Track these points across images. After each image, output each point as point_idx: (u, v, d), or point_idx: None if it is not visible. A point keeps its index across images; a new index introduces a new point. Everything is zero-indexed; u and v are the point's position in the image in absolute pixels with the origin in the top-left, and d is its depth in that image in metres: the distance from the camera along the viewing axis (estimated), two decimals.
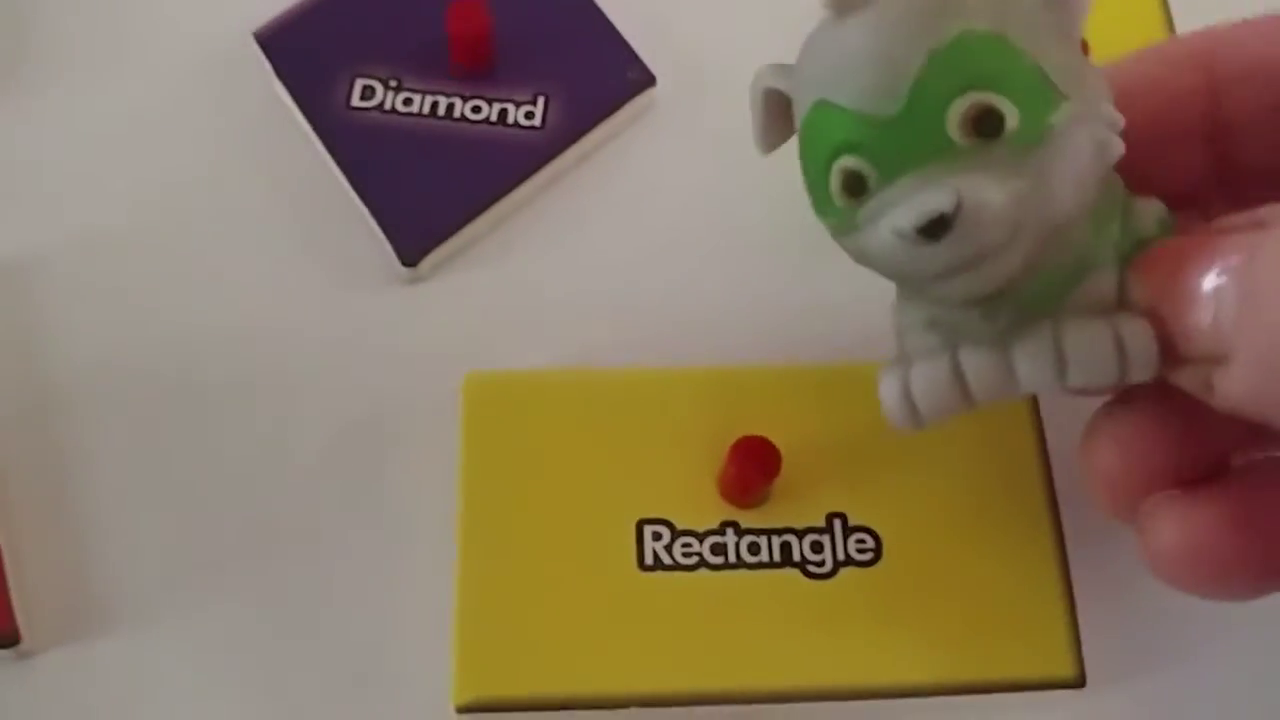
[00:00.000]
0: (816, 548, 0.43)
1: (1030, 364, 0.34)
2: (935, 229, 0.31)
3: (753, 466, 0.42)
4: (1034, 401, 0.45)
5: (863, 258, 0.35)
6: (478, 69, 0.50)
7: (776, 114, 0.37)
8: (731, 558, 0.43)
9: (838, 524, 0.44)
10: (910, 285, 0.36)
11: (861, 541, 0.44)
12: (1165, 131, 0.36)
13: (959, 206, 0.31)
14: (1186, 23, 0.53)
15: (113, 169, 0.50)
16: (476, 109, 0.50)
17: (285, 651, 0.43)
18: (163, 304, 0.47)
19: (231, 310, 0.48)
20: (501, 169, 0.49)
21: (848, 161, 0.33)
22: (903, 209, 0.32)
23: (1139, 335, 0.33)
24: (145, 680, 0.42)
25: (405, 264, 0.47)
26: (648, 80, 0.51)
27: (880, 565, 0.43)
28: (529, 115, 0.50)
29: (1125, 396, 0.36)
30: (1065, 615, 0.43)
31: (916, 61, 0.32)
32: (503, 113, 0.50)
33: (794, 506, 0.44)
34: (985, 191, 0.31)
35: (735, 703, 0.42)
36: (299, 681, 0.43)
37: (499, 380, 0.45)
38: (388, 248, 0.47)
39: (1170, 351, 0.33)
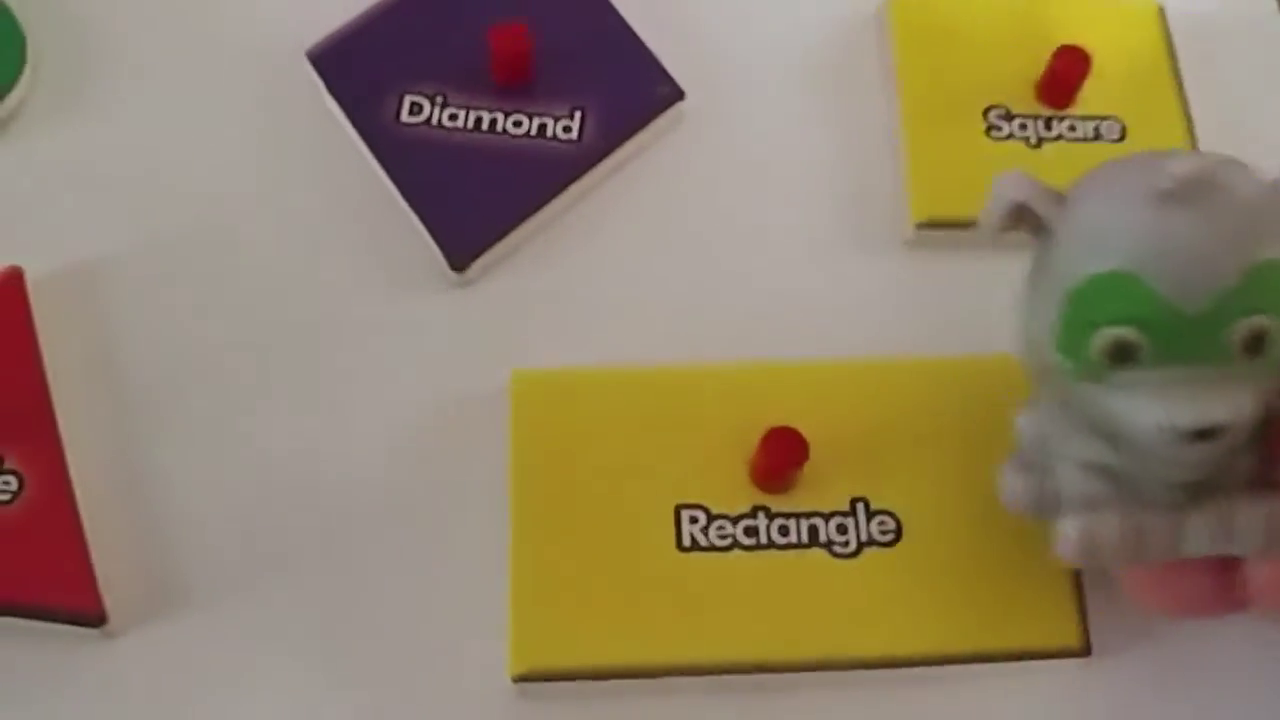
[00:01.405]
0: (841, 530, 0.47)
1: (1202, 539, 0.39)
2: (1208, 435, 0.36)
3: (782, 455, 0.45)
4: None
5: (1085, 402, 0.39)
6: (518, 85, 0.53)
7: (1014, 222, 0.40)
8: (763, 539, 0.46)
9: (861, 508, 0.47)
10: (1116, 438, 0.39)
11: (883, 524, 0.47)
12: None
13: (1234, 422, 0.36)
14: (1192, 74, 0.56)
15: (177, 179, 0.53)
16: (517, 123, 0.53)
17: (350, 629, 0.46)
18: (228, 306, 0.51)
19: (293, 312, 0.51)
20: (542, 179, 0.52)
21: (1128, 333, 0.37)
22: (1185, 409, 0.36)
23: None
24: (221, 658, 0.45)
25: (454, 269, 0.50)
26: (677, 95, 0.54)
27: (900, 545, 0.47)
28: (566, 129, 0.53)
29: None
30: (1071, 589, 0.46)
31: (1232, 276, 0.36)
32: (542, 127, 0.53)
33: (820, 492, 0.47)
34: (1249, 409, 0.36)
35: (767, 672, 0.45)
36: (364, 656, 0.46)
37: (545, 377, 0.48)
38: (437, 253, 0.50)
39: None
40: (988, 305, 0.47)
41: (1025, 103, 0.55)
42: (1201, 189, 0.36)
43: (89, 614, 0.44)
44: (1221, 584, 0.40)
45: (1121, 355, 0.37)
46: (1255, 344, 0.36)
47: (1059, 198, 0.39)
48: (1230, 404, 0.36)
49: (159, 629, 0.46)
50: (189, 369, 0.49)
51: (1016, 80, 0.55)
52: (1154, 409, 0.37)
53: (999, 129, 0.54)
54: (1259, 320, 0.36)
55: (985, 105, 0.55)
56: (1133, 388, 0.37)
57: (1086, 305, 0.38)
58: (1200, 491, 0.39)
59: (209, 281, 0.51)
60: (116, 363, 0.49)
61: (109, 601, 0.45)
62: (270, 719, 0.45)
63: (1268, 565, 0.39)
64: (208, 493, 0.47)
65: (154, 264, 0.51)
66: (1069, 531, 0.40)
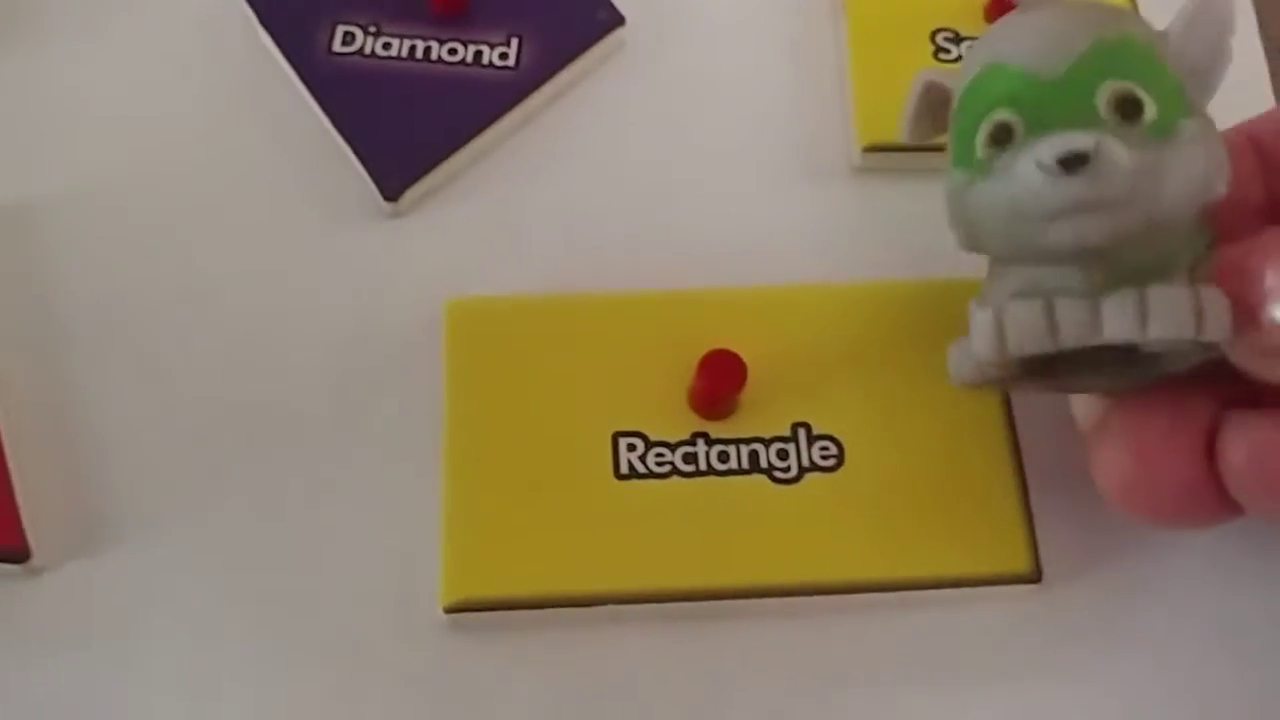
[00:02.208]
0: (782, 455, 0.46)
1: (1116, 315, 0.37)
2: (1073, 163, 0.36)
3: (721, 378, 0.44)
4: None
5: (981, 211, 0.39)
6: (453, 13, 0.52)
7: (930, 108, 0.43)
8: (702, 466, 0.45)
9: (802, 433, 0.46)
10: (1018, 244, 0.39)
11: (825, 449, 0.46)
12: (1233, 202, 0.39)
13: (1096, 149, 0.36)
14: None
15: (106, 115, 0.52)
16: (453, 51, 0.52)
17: (281, 560, 0.45)
18: (158, 240, 0.50)
19: (224, 246, 0.50)
20: (478, 107, 0.51)
21: (1002, 114, 0.38)
22: (1046, 144, 0.37)
23: (1216, 299, 0.37)
24: (149, 593, 0.45)
25: (387, 198, 0.49)
26: (616, 20, 0.53)
27: (842, 470, 0.46)
28: (503, 56, 0.52)
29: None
30: (1021, 513, 0.45)
31: (1083, 43, 0.38)
32: (478, 54, 0.52)
33: (761, 417, 0.46)
34: (1118, 148, 0.36)
35: (707, 599, 0.44)
36: (295, 588, 0.45)
37: (478, 306, 0.47)
38: (370, 184, 0.50)
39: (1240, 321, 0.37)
40: (935, 230, 0.46)
41: (974, 25, 0.54)
42: None
43: (12, 549, 0.43)
44: (1204, 475, 0.39)
45: (1002, 137, 0.38)
46: (1124, 107, 0.37)
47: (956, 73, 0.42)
48: (1093, 137, 0.36)
49: (85, 565, 0.45)
50: (117, 304, 0.48)
51: (964, 2, 0.54)
52: (1024, 159, 0.37)
53: (947, 52, 0.53)
54: (1121, 83, 0.37)
55: (933, 28, 0.54)
56: (1012, 161, 0.38)
57: (966, 108, 0.40)
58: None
59: (139, 217, 0.50)
60: (44, 299, 0.48)
61: (33, 537, 0.44)
62: (199, 653, 0.44)
63: (1246, 442, 0.38)
64: (135, 427, 0.47)
65: (84, 201, 0.50)
66: (978, 322, 0.39)
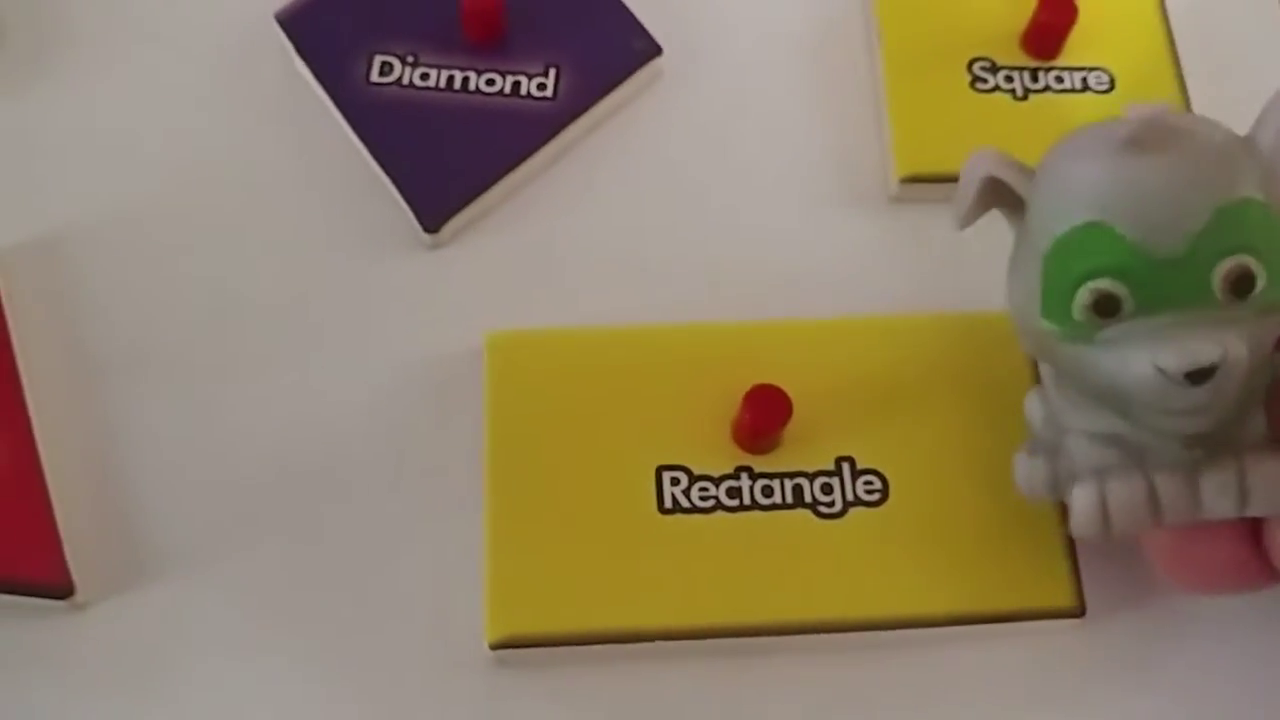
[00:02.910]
0: (826, 489, 0.45)
1: (1218, 495, 0.38)
2: (1199, 376, 0.35)
3: (766, 413, 0.44)
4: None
5: (1078, 366, 0.39)
6: (490, 43, 0.52)
7: (988, 200, 0.41)
8: (746, 500, 0.45)
9: (846, 467, 0.46)
10: (1117, 404, 0.39)
11: (869, 483, 0.46)
12: None
13: (1223, 360, 0.35)
14: (1182, 24, 0.55)
15: (143, 147, 0.52)
16: (490, 81, 0.51)
17: (324, 596, 0.45)
18: (197, 273, 0.49)
19: (263, 277, 0.50)
20: (516, 138, 0.51)
21: (1108, 285, 0.36)
22: (1171, 351, 0.36)
23: None
24: (192, 628, 0.44)
25: (427, 230, 0.49)
26: (653, 50, 0.53)
27: (887, 505, 0.45)
28: (541, 86, 0.52)
29: None
30: (1064, 548, 0.45)
31: (1204, 215, 0.36)
32: (516, 85, 0.52)
33: (805, 451, 0.46)
34: (1240, 349, 0.36)
35: (750, 635, 0.44)
36: (339, 624, 0.45)
37: (520, 338, 0.47)
38: (410, 215, 0.49)
39: None
40: (974, 260, 0.47)
41: (1010, 54, 0.54)
42: (1163, 134, 0.36)
43: (56, 586, 0.43)
44: (1251, 554, 0.39)
45: (1105, 309, 0.37)
46: (1239, 284, 0.36)
47: (1029, 171, 0.39)
48: (1219, 342, 0.35)
49: (128, 600, 0.45)
50: (158, 337, 0.48)
51: (1001, 31, 0.54)
52: (1143, 356, 0.36)
53: (984, 81, 0.53)
54: (1240, 260, 0.36)
55: (970, 57, 0.54)
56: (1122, 341, 0.37)
57: (1062, 263, 0.37)
58: (1213, 453, 0.38)
59: (178, 249, 0.50)
60: (84, 333, 0.48)
61: (76, 573, 0.44)
62: (241, 689, 0.44)
63: None
64: (177, 462, 0.46)
65: (122, 233, 0.50)
66: (1081, 499, 0.39)
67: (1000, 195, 0.40)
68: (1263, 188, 0.37)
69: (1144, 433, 0.39)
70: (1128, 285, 0.36)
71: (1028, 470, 0.42)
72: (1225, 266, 0.36)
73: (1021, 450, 0.42)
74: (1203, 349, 0.35)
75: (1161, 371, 0.36)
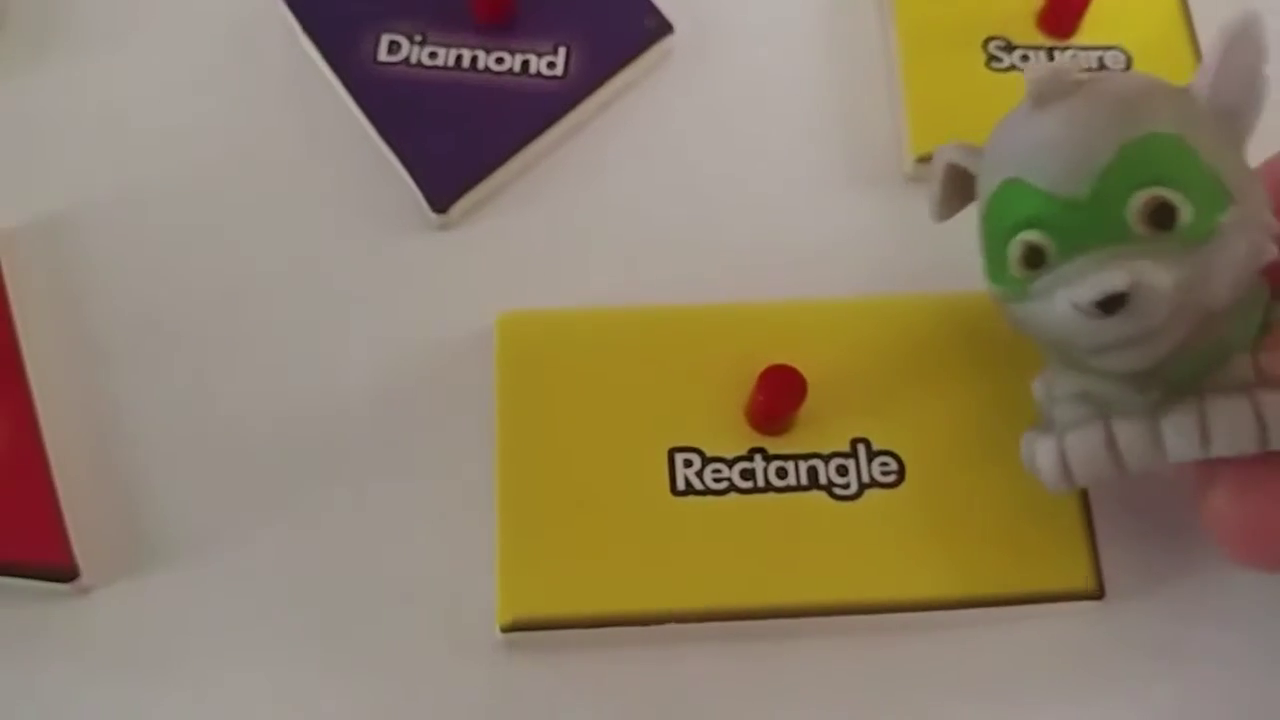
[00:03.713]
0: (842, 471, 0.45)
1: (1177, 436, 0.37)
2: (1111, 305, 0.35)
3: (780, 393, 0.44)
4: None
5: (1028, 324, 0.39)
6: (499, 22, 0.51)
7: (956, 187, 0.42)
8: (760, 482, 0.45)
9: (862, 448, 0.45)
10: (1070, 357, 0.39)
11: (885, 465, 0.45)
12: None
13: (1134, 287, 0.35)
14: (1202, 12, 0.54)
15: (147, 126, 0.51)
16: (500, 60, 0.51)
17: (334, 580, 0.44)
18: (202, 255, 0.49)
19: (271, 258, 0.49)
20: (526, 117, 0.50)
21: (1030, 236, 0.37)
22: (1082, 285, 0.36)
23: (1275, 406, 0.36)
24: (197, 611, 0.44)
25: (436, 210, 0.49)
26: (664, 28, 0.52)
27: (903, 487, 0.45)
28: (550, 65, 0.51)
29: None
30: (1083, 530, 0.44)
31: (1108, 153, 0.36)
32: (525, 63, 0.51)
33: (819, 433, 0.45)
34: (1156, 276, 0.35)
35: (765, 618, 0.43)
36: (348, 607, 0.44)
37: (531, 319, 0.47)
38: (419, 195, 0.49)
39: None
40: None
41: (1026, 33, 0.53)
42: (1064, 87, 0.37)
43: (60, 568, 0.43)
44: None
45: (1033, 260, 0.37)
46: (1157, 216, 0.36)
47: (980, 150, 0.40)
48: (1128, 270, 0.35)
49: (133, 583, 0.44)
50: (162, 318, 0.48)
51: (1017, 10, 0.53)
52: (1061, 297, 0.36)
53: (999, 60, 0.53)
54: (1153, 192, 0.35)
55: (985, 36, 0.53)
56: (1049, 288, 0.37)
57: (990, 225, 0.39)
58: (1177, 396, 0.38)
59: (183, 229, 0.49)
60: (87, 314, 0.48)
61: (81, 556, 0.43)
62: (249, 673, 0.43)
63: None
64: (183, 444, 0.46)
65: (126, 212, 0.50)
66: (1041, 455, 0.40)
67: (962, 182, 0.41)
68: (1196, 129, 0.37)
69: (1106, 384, 0.38)
70: (1047, 233, 0.37)
71: (1026, 448, 0.41)
72: (1139, 200, 0.35)
73: (1029, 430, 0.42)
74: (1108, 277, 0.35)
75: (1076, 307, 0.36)
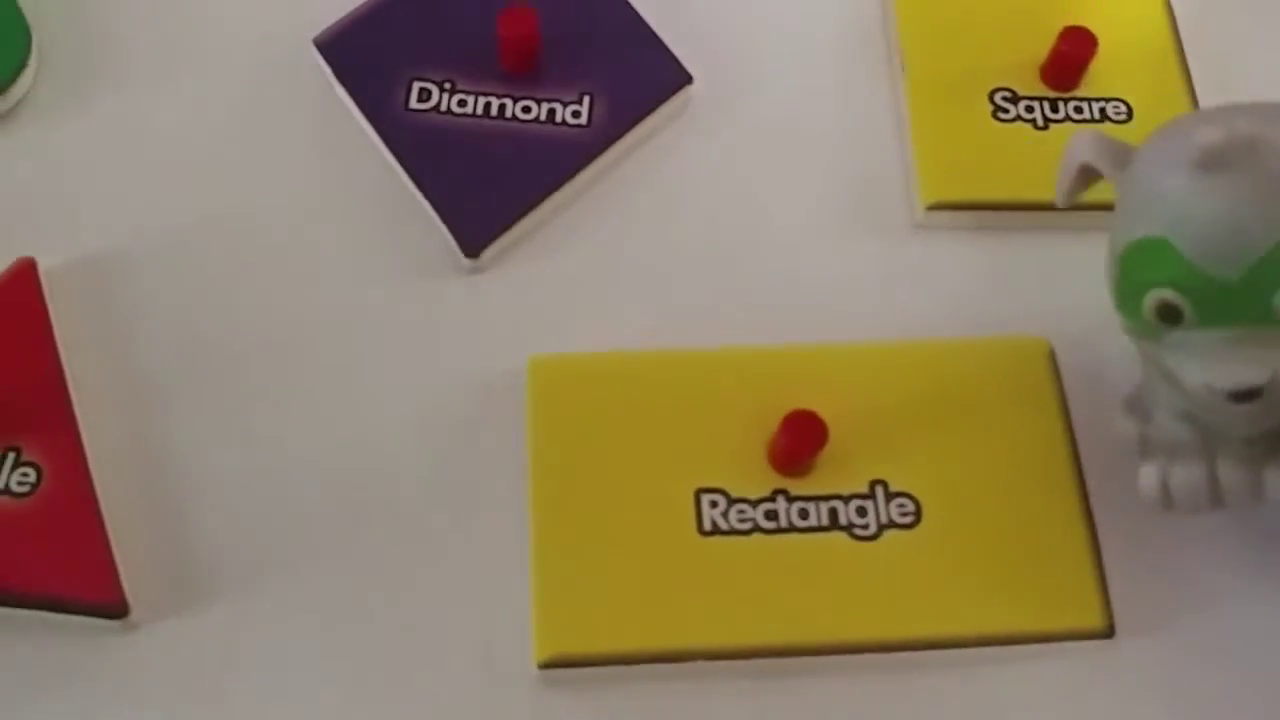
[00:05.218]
0: (861, 512, 0.47)
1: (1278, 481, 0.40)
2: (1247, 396, 0.37)
3: (802, 438, 0.45)
4: (1057, 374, 0.49)
5: (1150, 356, 0.41)
6: (525, 71, 0.53)
7: (1084, 182, 0.43)
8: (783, 522, 0.46)
9: (880, 490, 0.47)
10: (1188, 402, 0.41)
11: (903, 506, 0.47)
12: None
13: (1271, 383, 0.37)
14: (1197, 55, 0.56)
15: (188, 169, 0.53)
16: (526, 109, 0.53)
17: (374, 617, 0.46)
18: (241, 296, 0.50)
19: (305, 301, 0.50)
20: (552, 165, 0.52)
21: (1169, 296, 0.39)
22: (1219, 371, 0.38)
23: None
24: (244, 648, 0.45)
25: (467, 255, 0.50)
26: (685, 79, 0.54)
27: (920, 527, 0.47)
28: (575, 114, 0.53)
29: None
30: (1093, 570, 0.46)
31: (1265, 244, 0.37)
32: (551, 112, 0.53)
33: (839, 474, 0.47)
34: None
35: (789, 655, 0.45)
36: (388, 644, 0.45)
37: (561, 362, 0.48)
38: (450, 240, 0.50)
39: None
40: (999, 286, 0.48)
41: (1030, 85, 0.55)
42: (1232, 156, 0.37)
43: (110, 606, 0.44)
44: None
45: (1168, 316, 0.39)
46: None
47: (1124, 157, 0.41)
48: (1267, 364, 0.37)
49: (181, 620, 0.45)
50: (205, 358, 0.49)
51: (1021, 62, 0.55)
52: (1196, 370, 0.38)
53: (1005, 111, 0.54)
54: None
55: (991, 88, 0.55)
56: (1183, 348, 0.39)
57: (1130, 270, 0.40)
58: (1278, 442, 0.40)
59: (223, 272, 0.51)
60: (133, 353, 0.49)
61: (130, 593, 0.44)
62: (294, 709, 0.44)
63: None
64: (228, 482, 0.47)
65: (168, 254, 0.51)
66: (1145, 478, 0.42)
67: (1097, 178, 0.42)
68: None
69: (1210, 417, 0.40)
70: (1188, 300, 0.38)
71: (1144, 480, 0.43)
72: None
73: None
74: (1249, 373, 0.37)
75: (1209, 389, 0.37)
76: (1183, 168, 0.38)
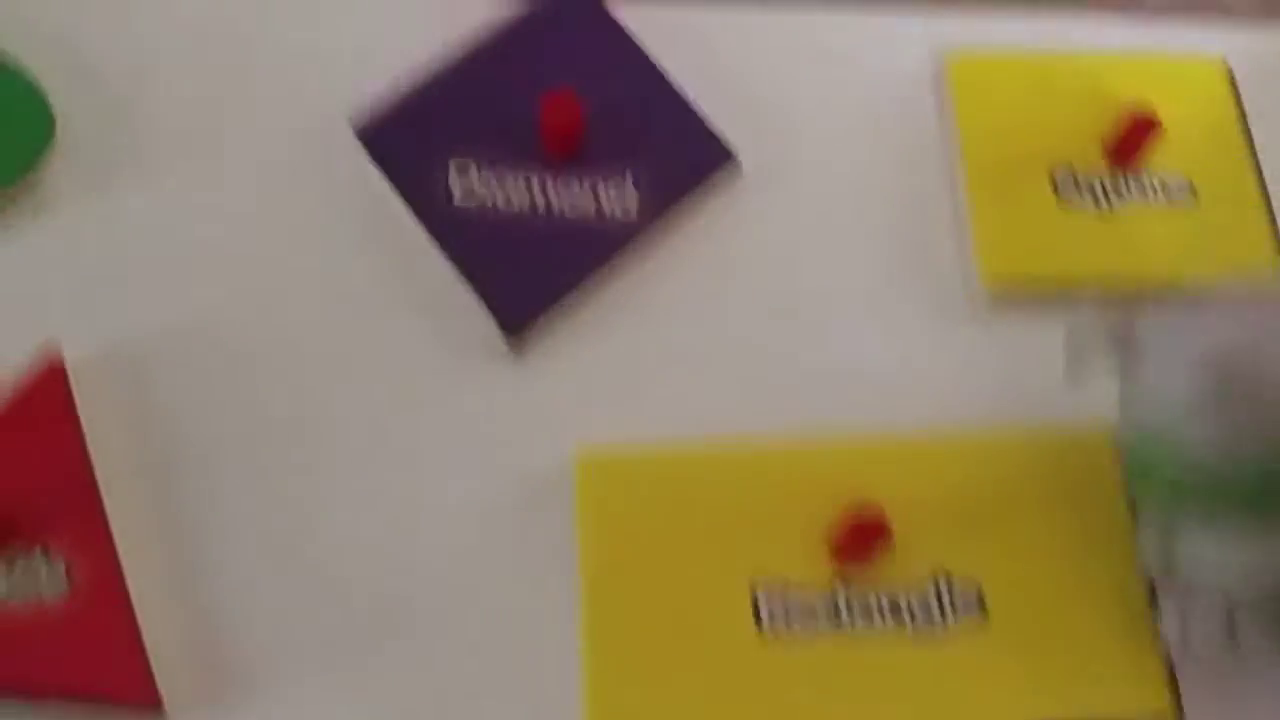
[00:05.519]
0: (924, 606, 0.45)
1: None
2: None
3: (864, 537, 0.44)
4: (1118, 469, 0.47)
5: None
6: (568, 153, 0.51)
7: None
8: (844, 620, 0.44)
9: (943, 581, 0.45)
10: None
11: (967, 597, 0.45)
12: None
13: None
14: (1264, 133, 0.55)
15: (219, 256, 0.51)
16: (569, 189, 0.51)
17: (420, 715, 0.44)
18: (275, 384, 0.49)
19: (343, 391, 0.49)
20: (595, 247, 0.51)
21: (1177, 486, 0.41)
22: (1235, 570, 0.40)
23: None
24: None
25: (510, 340, 0.49)
26: (728, 157, 0.53)
27: (985, 618, 0.45)
28: (618, 194, 0.51)
29: None
30: (1160, 654, 0.45)
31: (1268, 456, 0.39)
32: (593, 192, 0.51)
33: (902, 567, 0.45)
34: None
35: None
36: None
37: (610, 455, 0.47)
38: (492, 323, 0.49)
39: None
40: (1058, 371, 0.46)
41: (1091, 164, 0.54)
42: (1235, 382, 0.40)
43: (145, 704, 0.43)
44: None
45: (1177, 503, 0.41)
46: None
47: (1127, 342, 0.43)
48: None
49: (213, 714, 0.44)
50: (240, 450, 0.48)
51: (1081, 140, 0.54)
52: (1209, 560, 0.41)
53: (1066, 193, 0.53)
54: None
55: (1050, 166, 0.53)
56: (1193, 530, 0.41)
57: (1138, 460, 0.43)
58: None
59: (256, 361, 0.49)
60: (164, 445, 0.48)
61: (165, 690, 0.43)
62: None
63: None
64: (263, 577, 0.46)
65: (199, 343, 0.49)
66: (1166, 627, 0.43)
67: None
68: None
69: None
70: (1195, 496, 0.41)
71: (1167, 625, 0.44)
72: None
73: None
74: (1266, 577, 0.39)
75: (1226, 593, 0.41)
76: (1190, 372, 0.41)
